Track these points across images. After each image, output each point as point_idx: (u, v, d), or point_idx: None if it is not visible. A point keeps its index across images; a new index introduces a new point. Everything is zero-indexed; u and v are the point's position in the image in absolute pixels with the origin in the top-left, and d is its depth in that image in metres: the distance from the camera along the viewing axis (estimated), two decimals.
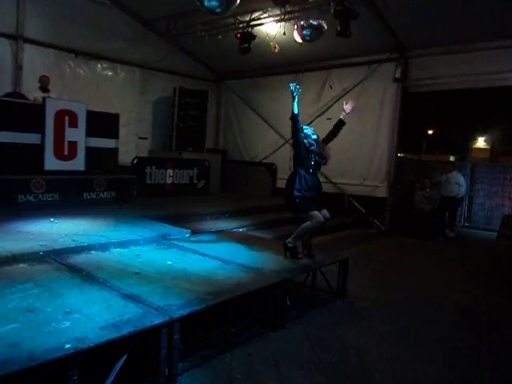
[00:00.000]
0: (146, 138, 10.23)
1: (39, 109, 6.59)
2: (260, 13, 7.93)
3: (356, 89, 9.22)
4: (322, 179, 9.57)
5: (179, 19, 8.71)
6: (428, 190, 9.18)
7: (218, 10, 5.54)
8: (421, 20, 7.38)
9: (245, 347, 3.35)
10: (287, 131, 10.29)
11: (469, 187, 10.66)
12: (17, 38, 7.78)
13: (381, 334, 3.81)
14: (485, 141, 34.18)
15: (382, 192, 9.00)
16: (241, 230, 6.56)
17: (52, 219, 5.55)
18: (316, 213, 4.47)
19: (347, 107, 4.86)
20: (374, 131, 9.06)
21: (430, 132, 31.95)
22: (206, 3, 5.40)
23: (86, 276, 3.55)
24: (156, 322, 2.69)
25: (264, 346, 3.41)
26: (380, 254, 7.10)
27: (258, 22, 8.07)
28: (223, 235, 5.74)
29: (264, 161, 10.75)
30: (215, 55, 10.27)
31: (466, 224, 10.92)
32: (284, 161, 10.38)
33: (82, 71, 8.83)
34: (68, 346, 2.30)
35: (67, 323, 2.61)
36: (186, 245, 4.89)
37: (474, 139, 34.14)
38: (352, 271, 4.87)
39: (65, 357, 2.24)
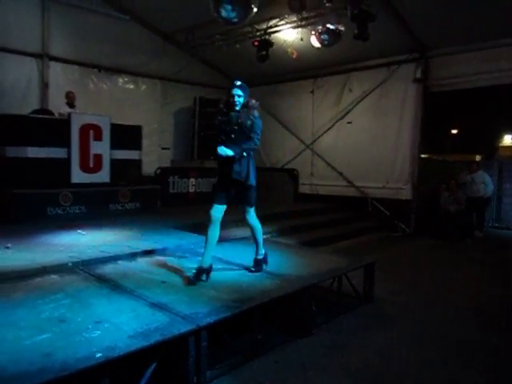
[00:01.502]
0: (168, 149, 10.39)
1: (65, 124, 6.79)
2: (277, 20, 7.98)
3: (376, 91, 9.14)
4: (344, 183, 9.64)
5: (197, 30, 8.84)
6: (454, 190, 8.98)
7: (235, 20, 5.60)
8: (440, 19, 7.27)
9: (272, 354, 3.34)
10: (308, 136, 10.36)
11: (497, 187, 10.37)
12: (43, 56, 8.05)
13: (409, 339, 3.74)
14: None
15: (406, 194, 8.85)
16: (264, 236, 6.52)
17: (79, 231, 5.69)
18: None
19: None
20: (395, 133, 8.94)
21: (455, 131, 31.31)
22: (223, 14, 5.47)
23: (114, 286, 3.61)
24: (183, 330, 2.72)
25: (291, 353, 3.39)
26: (406, 258, 6.98)
27: (275, 29, 8.11)
28: (248, 242, 5.74)
29: (285, 167, 10.75)
30: (233, 64, 10.37)
31: (496, 224, 10.62)
32: (306, 166, 10.37)
33: (105, 85, 9.05)
34: (99, 354, 2.35)
35: (97, 332, 2.67)
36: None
37: (501, 137, 33.24)
38: (378, 275, 4.80)
39: (96, 365, 2.29)
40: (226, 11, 5.43)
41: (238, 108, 3.88)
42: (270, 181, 10.61)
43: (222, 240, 5.63)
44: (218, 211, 4.04)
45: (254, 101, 3.98)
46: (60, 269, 4.02)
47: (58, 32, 8.17)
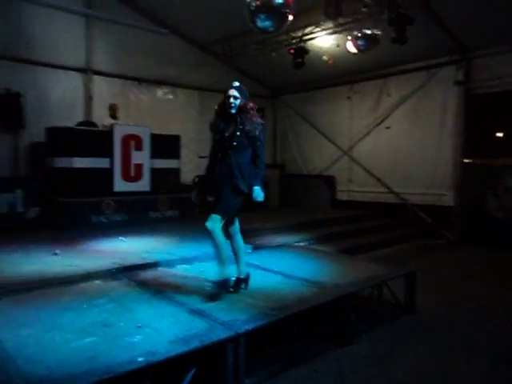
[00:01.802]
0: (205, 157, 10.52)
1: (108, 135, 7.07)
2: (312, 27, 7.98)
3: (415, 95, 8.93)
4: (383, 189, 9.45)
5: (233, 41, 8.98)
6: (501, 195, 8.59)
7: (271, 29, 5.65)
8: (481, 18, 7.02)
9: (310, 363, 3.31)
10: (344, 143, 10.25)
11: None
12: (87, 71, 8.43)
13: (453, 352, 3.59)
14: None
15: (448, 200, 8.55)
16: (302, 243, 6.52)
17: (121, 238, 5.88)
18: None
19: None
20: (436, 137, 8.68)
21: (500, 135, 30.02)
22: (259, 24, 5.54)
23: (155, 291, 3.71)
24: (222, 337, 2.75)
25: (330, 363, 3.34)
26: (450, 267, 6.73)
27: (311, 36, 8.11)
28: (285, 250, 5.75)
29: (322, 173, 10.67)
30: (269, 72, 10.44)
31: None
32: (343, 172, 10.25)
33: (145, 97, 9.34)
34: (140, 359, 2.41)
35: (139, 337, 2.74)
36: (248, 260, 4.91)
37: None
38: (420, 285, 4.65)
39: (138, 369, 2.35)
40: (262, 21, 5.48)
41: (233, 111, 3.59)
42: (307, 188, 10.60)
43: (258, 247, 5.69)
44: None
45: (251, 104, 3.72)
46: (104, 274, 4.17)
47: (101, 47, 8.53)
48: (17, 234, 5.93)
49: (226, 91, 3.63)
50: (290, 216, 8.82)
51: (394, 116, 9.32)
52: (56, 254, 4.85)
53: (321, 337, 3.76)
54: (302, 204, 10.31)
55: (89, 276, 4.05)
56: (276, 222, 7.78)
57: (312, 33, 8.07)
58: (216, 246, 3.61)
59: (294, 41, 8.33)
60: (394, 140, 9.30)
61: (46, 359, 2.40)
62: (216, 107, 3.79)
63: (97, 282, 3.99)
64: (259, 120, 3.68)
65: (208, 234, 3.57)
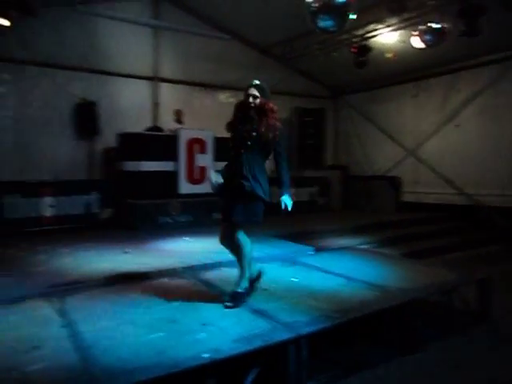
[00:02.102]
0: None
1: (174, 139, 7.37)
2: (375, 24, 7.77)
3: (488, 90, 8.38)
4: (452, 191, 8.96)
5: (294, 42, 8.99)
6: None
7: (333, 28, 5.58)
8: None
9: (374, 370, 3.22)
10: (410, 142, 9.86)
11: None
12: (154, 79, 8.86)
13: None
14: None
15: None
16: (364, 246, 6.37)
17: (186, 238, 6.11)
18: None
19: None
20: None
21: None
22: (320, 24, 5.50)
23: (219, 291, 3.81)
24: (284, 338, 2.77)
25: (394, 370, 3.23)
26: None
27: (374, 33, 7.90)
28: (347, 252, 5.65)
29: (386, 174, 10.33)
30: (331, 72, 10.32)
31: None
32: (409, 173, 9.86)
33: (208, 101, 9.62)
34: (205, 355, 2.49)
35: (203, 334, 2.84)
36: (310, 262, 4.94)
37: None
38: (495, 292, 4.35)
39: (203, 365, 2.44)
40: (323, 21, 5.43)
41: (251, 111, 3.38)
42: (370, 189, 10.31)
43: (320, 249, 5.64)
44: (222, 231, 3.61)
45: (271, 104, 3.45)
46: (171, 273, 4.36)
47: (167, 56, 8.94)
48: (92, 233, 6.37)
49: (246, 89, 3.42)
50: (353, 218, 8.64)
51: (464, 113, 8.82)
52: (127, 252, 5.15)
53: (384, 343, 3.65)
54: (365, 206, 10.05)
55: (158, 274, 4.26)
56: (338, 224, 7.67)
57: (375, 30, 7.85)
58: (245, 253, 3.47)
59: (356, 39, 8.16)
60: (464, 138, 8.79)
61: (119, 351, 2.56)
62: (236, 104, 3.57)
63: (165, 279, 4.18)
64: (277, 124, 3.44)
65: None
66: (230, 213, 3.38)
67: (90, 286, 3.85)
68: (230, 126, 3.54)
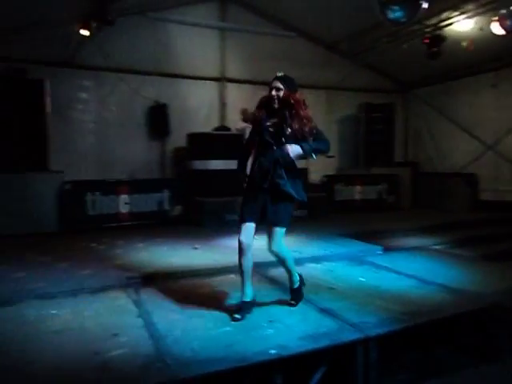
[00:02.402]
0: (333, 157, 10.46)
1: (240, 138, 7.50)
2: (449, 12, 7.33)
3: None
4: None
5: (360, 37, 8.76)
6: None
7: (403, 19, 5.36)
8: None
9: (448, 377, 3.06)
10: (489, 136, 9.18)
11: None
12: (221, 79, 9.09)
13: None
14: None
15: None
16: (437, 247, 6.05)
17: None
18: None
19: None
20: None
21: None
22: (390, 16, 5.30)
23: (284, 288, 3.82)
24: (352, 338, 2.72)
25: (471, 379, 3.05)
26: None
27: (448, 22, 7.46)
28: (418, 252, 5.41)
29: (462, 171, 9.72)
30: (400, 65, 9.90)
31: None
32: (487, 170, 9.18)
33: None
34: (273, 351, 2.53)
35: (270, 331, 2.87)
36: (378, 262, 4.80)
37: None
38: None
39: (270, 361, 2.47)
40: (393, 12, 5.24)
41: (276, 105, 3.12)
42: (443, 187, 9.76)
43: (389, 249, 5.46)
44: (248, 234, 3.13)
45: (297, 96, 3.15)
46: (237, 269, 4.42)
47: (233, 56, 9.11)
48: (163, 230, 6.68)
49: (270, 83, 3.20)
50: (424, 217, 8.24)
51: None
52: (196, 248, 5.34)
53: (458, 350, 3.45)
54: (438, 204, 9.53)
55: (225, 270, 4.36)
56: (408, 223, 7.36)
57: (449, 18, 7.40)
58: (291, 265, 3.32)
59: (428, 29, 7.75)
60: None
61: (190, 342, 2.67)
62: (261, 98, 3.30)
63: (231, 275, 4.28)
64: (308, 115, 3.15)
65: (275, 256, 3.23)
66: (262, 215, 3.11)
67: (163, 280, 4.05)
68: (253, 119, 3.28)
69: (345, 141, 10.51)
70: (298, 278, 3.40)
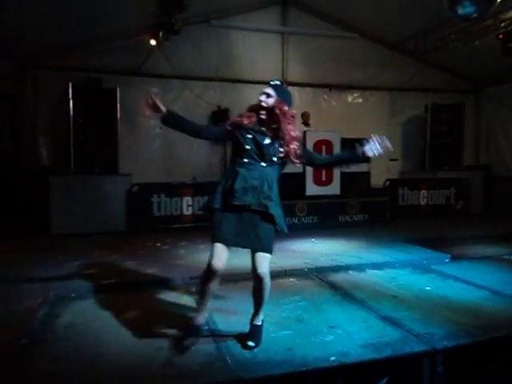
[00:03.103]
0: (396, 160, 10.11)
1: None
2: None
3: None
4: None
5: (427, 35, 8.39)
6: None
7: (475, 15, 5.06)
8: None
9: None
10: None
11: None
12: (282, 83, 9.12)
13: None
14: None
15: None
16: (506, 256, 5.62)
17: (313, 240, 6.15)
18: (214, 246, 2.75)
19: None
20: None
21: None
22: (460, 11, 5.02)
23: (345, 294, 3.76)
24: (417, 350, 2.61)
25: None
26: None
27: None
28: (491, 262, 5.07)
29: None
30: (471, 63, 9.34)
31: None
32: None
33: (334, 102, 9.53)
34: (333, 358, 2.49)
35: (330, 337, 2.83)
36: (445, 270, 4.56)
37: None
38: None
39: (331, 368, 2.43)
40: (464, 7, 4.96)
41: (263, 112, 2.78)
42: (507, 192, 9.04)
43: (458, 257, 5.16)
44: (222, 257, 2.74)
45: (285, 108, 2.77)
46: (297, 273, 4.44)
47: (294, 59, 9.09)
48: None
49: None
50: (497, 224, 7.70)
51: None
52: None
53: None
54: (500, 212, 8.85)
55: (284, 273, 4.38)
56: (479, 231, 6.92)
57: None
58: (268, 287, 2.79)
59: (503, 24, 7.25)
60: None
61: None
62: (251, 105, 2.93)
63: (291, 279, 4.28)
64: (297, 134, 2.86)
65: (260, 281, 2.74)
66: (240, 237, 2.74)
67: (223, 281, 4.12)
68: (237, 126, 2.86)
69: (408, 144, 10.12)
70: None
